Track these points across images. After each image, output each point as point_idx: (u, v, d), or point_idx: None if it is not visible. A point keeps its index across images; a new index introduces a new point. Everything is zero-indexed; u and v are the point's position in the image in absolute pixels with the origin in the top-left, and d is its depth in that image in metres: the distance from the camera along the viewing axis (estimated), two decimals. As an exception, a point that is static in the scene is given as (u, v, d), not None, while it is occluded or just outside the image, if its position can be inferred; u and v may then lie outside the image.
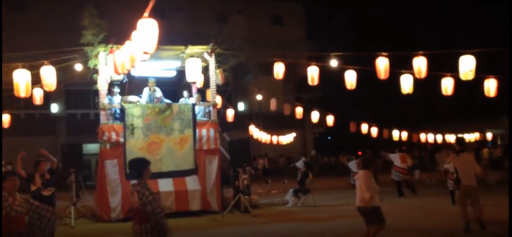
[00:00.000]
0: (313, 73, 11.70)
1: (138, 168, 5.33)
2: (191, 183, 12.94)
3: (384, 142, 20.90)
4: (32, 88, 10.85)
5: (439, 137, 24.03)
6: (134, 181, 5.36)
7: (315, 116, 19.35)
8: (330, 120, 19.63)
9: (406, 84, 11.15)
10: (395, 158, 16.24)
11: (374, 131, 20.63)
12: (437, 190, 16.55)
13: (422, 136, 22.72)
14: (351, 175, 17.88)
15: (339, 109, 22.85)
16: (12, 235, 5.41)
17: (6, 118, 15.55)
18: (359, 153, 20.91)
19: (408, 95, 11.32)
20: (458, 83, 10.87)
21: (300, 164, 17.03)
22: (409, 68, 10.67)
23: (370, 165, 7.54)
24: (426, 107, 34.95)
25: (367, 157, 7.96)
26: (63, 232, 11.07)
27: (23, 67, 9.70)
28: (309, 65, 11.79)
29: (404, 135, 21.69)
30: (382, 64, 10.46)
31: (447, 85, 11.29)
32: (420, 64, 10.14)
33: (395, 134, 21.50)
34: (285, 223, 11.45)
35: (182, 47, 13.42)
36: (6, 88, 10.14)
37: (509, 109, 11.26)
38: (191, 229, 10.84)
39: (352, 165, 17.65)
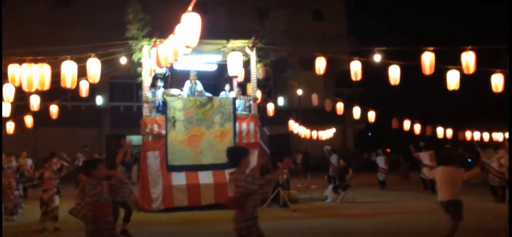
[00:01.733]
0: (356, 68, 11.54)
1: (236, 156, 5.43)
2: (231, 176, 13.02)
3: (427, 139, 20.35)
4: (78, 80, 11.18)
5: (485, 135, 23.20)
6: (232, 170, 5.45)
7: (356, 112, 19.06)
8: (371, 116, 19.29)
9: (453, 80, 10.81)
10: (424, 156, 16.12)
11: (417, 128, 20.13)
12: (482, 190, 16.00)
13: (468, 134, 21.98)
14: (379, 171, 18.29)
15: (380, 105, 22.40)
16: (99, 223, 5.53)
17: (54, 109, 16.12)
18: (388, 150, 20.64)
19: (454, 91, 10.98)
20: (507, 78, 10.46)
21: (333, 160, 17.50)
22: (455, 63, 10.35)
23: (453, 161, 7.71)
24: (472, 104, 33.76)
25: (449, 154, 8.19)
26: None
27: (71, 59, 10.00)
28: (351, 60, 11.63)
29: (449, 132, 21.05)
30: (428, 59, 10.19)
31: (497, 82, 10.87)
32: (468, 59, 9.81)
33: (439, 131, 20.89)
34: (324, 218, 11.36)
35: (224, 41, 13.50)
36: (54, 80, 10.46)
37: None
38: (230, 221, 10.88)
39: (380, 161, 18.24)
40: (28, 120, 16.27)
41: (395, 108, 26.28)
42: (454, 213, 7.39)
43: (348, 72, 11.94)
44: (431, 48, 10.21)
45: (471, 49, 9.85)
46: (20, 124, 16.42)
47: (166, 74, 14.62)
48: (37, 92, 12.72)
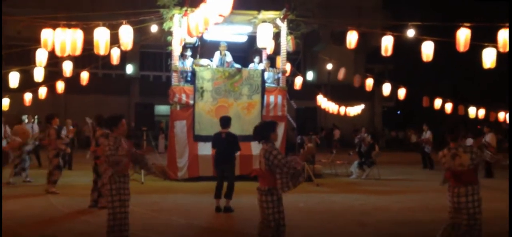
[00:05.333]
0: (387, 43, 11.28)
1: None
2: (256, 148, 13.02)
3: (460, 119, 19.84)
4: (110, 48, 11.27)
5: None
6: None
7: (386, 88, 18.73)
8: (401, 93, 18.93)
9: (489, 58, 10.48)
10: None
11: (449, 107, 19.67)
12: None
13: (501, 115, 21.32)
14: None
15: (411, 83, 21.93)
16: None
17: (86, 76, 16.38)
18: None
19: (489, 69, 10.66)
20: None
21: None
22: (491, 41, 10.03)
23: None
24: (507, 83, 32.72)
25: None
26: (133, 187, 11.62)
27: (103, 25, 10.09)
28: (384, 34, 11.37)
29: (481, 112, 20.47)
30: (463, 36, 9.89)
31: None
32: (505, 36, 9.48)
33: (472, 111, 20.33)
34: (348, 193, 11.32)
35: (255, 12, 13.38)
36: (86, 47, 10.60)
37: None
38: (253, 193, 10.92)
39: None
40: (60, 86, 16.58)
41: (427, 86, 25.73)
42: None
43: (379, 48, 11.71)
44: (467, 25, 9.90)
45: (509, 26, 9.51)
46: (52, 89, 16.77)
47: (196, 44, 14.63)
48: (69, 58, 12.92)
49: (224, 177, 8.97)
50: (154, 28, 14.07)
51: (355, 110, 24.24)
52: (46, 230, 7.32)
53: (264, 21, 12.83)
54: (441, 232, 5.79)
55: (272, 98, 13.55)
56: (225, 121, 9.16)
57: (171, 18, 13.14)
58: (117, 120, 5.74)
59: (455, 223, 5.63)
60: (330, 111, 22.67)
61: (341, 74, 19.45)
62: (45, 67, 13.62)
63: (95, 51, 10.22)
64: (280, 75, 13.95)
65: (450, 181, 5.66)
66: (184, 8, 12.53)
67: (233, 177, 8.97)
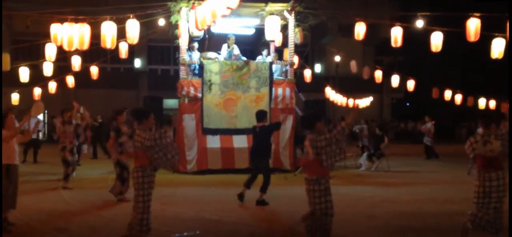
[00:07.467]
0: (396, 34, 11.21)
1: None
2: (268, 140, 13.07)
3: (468, 110, 19.70)
4: (118, 42, 11.31)
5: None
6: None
7: (395, 80, 18.62)
8: (410, 85, 18.81)
9: (497, 48, 10.38)
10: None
11: (458, 98, 19.51)
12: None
13: (512, 106, 21.07)
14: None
15: (420, 74, 21.76)
16: None
17: (95, 70, 16.47)
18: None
19: (498, 59, 10.55)
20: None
21: None
22: (501, 31, 9.93)
23: None
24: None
25: None
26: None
27: (111, 19, 10.13)
28: (393, 26, 11.30)
29: (492, 104, 20.27)
30: (473, 26, 9.79)
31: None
32: (516, 25, 9.36)
33: (481, 102, 20.14)
34: (357, 186, 11.32)
35: (262, 4, 13.34)
36: (94, 41, 10.65)
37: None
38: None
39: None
40: (70, 80, 16.69)
41: (436, 77, 25.53)
42: None
43: (388, 39, 11.64)
44: (477, 14, 9.80)
45: (519, 16, 9.39)
46: (61, 84, 16.88)
47: (203, 37, 14.64)
48: (78, 52, 12.99)
49: (259, 170, 8.85)
50: (161, 22, 14.08)
51: (363, 102, 24.11)
52: (58, 223, 7.37)
53: (271, 13, 12.83)
54: (469, 221, 5.92)
55: (280, 91, 13.54)
56: (260, 115, 8.97)
57: (178, 11, 13.13)
58: (148, 114, 6.16)
59: (479, 214, 5.84)
60: (339, 104, 22.58)
61: (354, 67, 19.27)
62: (54, 62, 13.71)
63: (102, 45, 10.27)
64: (288, 67, 13.92)
65: (480, 167, 5.88)
66: (192, 1, 12.54)
67: (266, 170, 8.82)
